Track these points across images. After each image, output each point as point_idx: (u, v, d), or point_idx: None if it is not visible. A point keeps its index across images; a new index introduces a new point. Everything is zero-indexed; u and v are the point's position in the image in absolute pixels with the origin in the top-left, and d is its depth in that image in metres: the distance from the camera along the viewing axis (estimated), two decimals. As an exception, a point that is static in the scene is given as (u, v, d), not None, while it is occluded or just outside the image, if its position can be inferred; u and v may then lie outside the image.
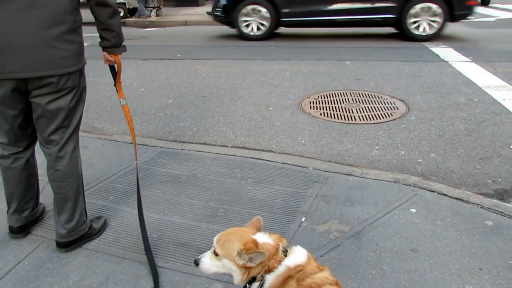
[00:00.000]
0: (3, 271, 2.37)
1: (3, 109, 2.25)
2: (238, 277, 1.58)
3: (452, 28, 10.60)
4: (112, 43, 2.39)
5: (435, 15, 9.00)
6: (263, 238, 1.61)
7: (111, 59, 2.47)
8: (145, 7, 15.83)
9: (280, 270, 1.55)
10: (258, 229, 1.68)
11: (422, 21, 9.07)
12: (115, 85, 2.59)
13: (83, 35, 2.36)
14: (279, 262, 1.56)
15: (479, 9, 15.01)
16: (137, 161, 2.70)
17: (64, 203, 2.43)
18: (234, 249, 1.54)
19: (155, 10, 16.31)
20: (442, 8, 8.91)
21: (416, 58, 7.59)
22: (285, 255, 1.59)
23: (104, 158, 3.74)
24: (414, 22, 9.10)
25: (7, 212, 2.59)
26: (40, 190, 2.72)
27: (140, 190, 2.65)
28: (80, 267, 2.40)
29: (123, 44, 2.46)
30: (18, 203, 2.54)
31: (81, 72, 2.34)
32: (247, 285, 1.62)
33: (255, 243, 1.56)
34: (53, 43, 2.11)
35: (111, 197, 3.11)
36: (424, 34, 9.15)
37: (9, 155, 2.43)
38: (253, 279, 1.59)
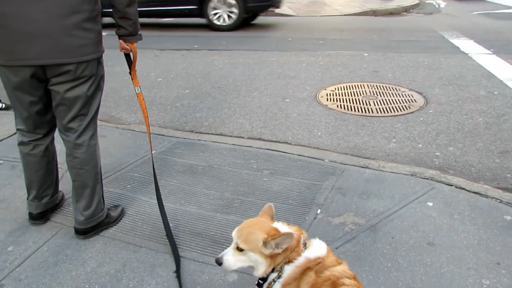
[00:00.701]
0: (22, 257, 2.42)
1: (22, 95, 2.29)
2: (263, 268, 1.57)
3: (473, 19, 10.41)
4: (129, 32, 2.40)
5: (231, 6, 9.82)
6: (283, 228, 1.61)
7: (127, 47, 2.48)
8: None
9: (300, 261, 1.55)
10: (272, 216, 1.69)
11: (222, 12, 9.91)
12: (130, 73, 2.61)
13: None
14: (299, 253, 1.56)
15: (503, 0, 14.73)
16: (154, 151, 2.73)
17: (82, 190, 2.47)
18: (258, 240, 1.53)
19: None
20: (236, 0, 9.71)
21: (435, 50, 7.47)
22: (305, 248, 1.59)
23: (122, 147, 3.78)
24: (215, 14, 9.96)
25: (27, 199, 2.63)
26: (60, 177, 2.77)
27: (157, 179, 2.68)
28: (97, 254, 2.44)
29: (139, 32, 2.47)
30: (38, 190, 2.59)
31: (99, 61, 2.35)
32: (260, 282, 1.64)
33: (277, 229, 1.56)
34: (72, 31, 2.13)
35: (128, 186, 3.14)
36: (224, 24, 10.01)
37: (28, 142, 2.47)
38: (271, 270, 1.60)
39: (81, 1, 2.13)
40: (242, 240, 1.57)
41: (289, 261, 1.55)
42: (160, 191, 2.67)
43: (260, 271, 1.58)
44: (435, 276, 2.20)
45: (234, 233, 1.61)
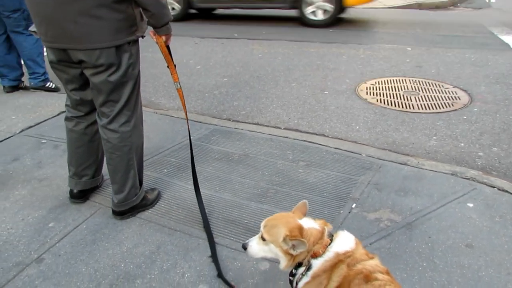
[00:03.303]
0: (62, 233, 2.51)
1: (58, 72, 2.40)
2: (284, 262, 1.59)
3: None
4: (151, 23, 2.31)
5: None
6: (308, 223, 1.61)
7: (154, 38, 2.39)
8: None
9: (329, 255, 1.54)
10: (304, 214, 1.68)
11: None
12: (168, 66, 2.51)
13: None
14: (325, 247, 1.55)
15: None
16: (191, 137, 2.75)
17: (115, 174, 2.52)
18: (280, 234, 1.55)
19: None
20: None
21: (483, 46, 7.18)
22: (331, 240, 1.58)
23: (160, 132, 3.84)
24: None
25: (68, 176, 2.72)
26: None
27: (194, 165, 2.71)
28: (133, 235, 2.49)
29: (165, 25, 2.32)
30: (77, 167, 2.66)
31: (122, 49, 2.25)
32: (293, 270, 1.63)
33: (301, 229, 1.56)
34: (75, 18, 2.08)
35: (165, 170, 3.19)
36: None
37: (71, 117, 2.56)
38: (299, 264, 1.60)
39: None
40: (266, 231, 1.60)
41: (315, 255, 1.55)
42: (197, 178, 2.69)
43: (282, 265, 1.60)
44: (472, 279, 2.14)
45: (262, 223, 1.65)
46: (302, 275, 1.59)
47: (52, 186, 2.99)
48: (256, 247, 1.65)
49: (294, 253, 1.54)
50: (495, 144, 3.73)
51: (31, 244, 2.42)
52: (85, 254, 2.35)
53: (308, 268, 1.57)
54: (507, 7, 12.38)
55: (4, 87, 4.90)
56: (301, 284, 1.59)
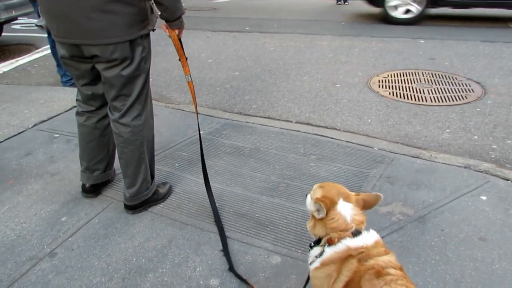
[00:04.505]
0: (75, 227, 2.53)
1: (69, 68, 2.41)
2: (309, 222, 1.67)
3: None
4: (164, 17, 2.32)
5: None
6: (350, 211, 1.57)
7: (167, 32, 2.41)
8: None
9: (339, 247, 1.53)
10: (362, 205, 1.62)
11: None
12: (179, 59, 2.52)
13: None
14: (340, 238, 1.54)
15: None
16: (202, 131, 2.75)
17: (127, 168, 2.52)
18: (316, 195, 1.62)
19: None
20: None
21: (497, 38, 7.07)
22: (353, 236, 1.55)
23: (171, 126, 3.85)
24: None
25: (80, 170, 2.74)
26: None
27: (204, 161, 2.71)
28: (145, 229, 2.51)
29: (178, 19, 2.35)
30: (88, 162, 2.68)
31: (135, 43, 2.26)
32: (312, 244, 1.67)
33: (333, 203, 1.56)
34: (89, 13, 2.08)
35: (177, 165, 3.20)
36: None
37: (82, 112, 2.57)
38: (318, 242, 1.62)
39: None
40: (316, 187, 1.69)
41: (331, 243, 1.55)
42: (208, 172, 2.70)
43: (308, 224, 1.68)
44: (486, 273, 2.12)
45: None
46: (316, 257, 1.59)
47: (64, 180, 3.02)
48: (308, 197, 1.72)
49: (317, 216, 1.58)
50: (509, 137, 3.68)
51: (44, 239, 2.45)
52: (98, 248, 2.37)
53: (322, 253, 1.57)
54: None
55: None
56: (312, 267, 1.61)
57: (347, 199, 1.60)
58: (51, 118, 4.08)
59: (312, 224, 1.64)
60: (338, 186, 1.67)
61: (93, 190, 2.79)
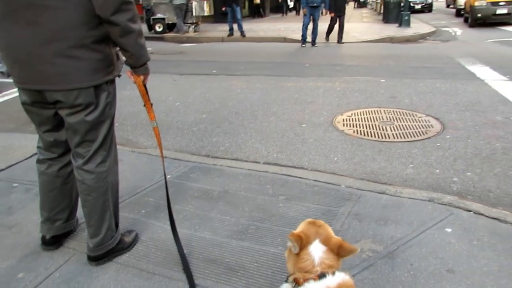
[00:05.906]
0: (33, 284, 2.37)
1: (30, 114, 2.35)
2: (287, 251, 1.67)
3: (488, 47, 10.35)
4: (129, 63, 2.31)
5: None
6: (320, 254, 1.55)
7: (132, 78, 2.40)
8: (184, 23, 16.32)
9: None
10: (340, 252, 1.58)
11: None
12: (144, 105, 2.50)
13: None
14: (305, 281, 1.51)
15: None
16: (169, 176, 2.72)
17: (90, 217, 2.43)
18: (298, 229, 1.65)
19: (193, 26, 16.83)
20: None
21: (452, 76, 7.43)
22: (319, 279, 1.53)
23: (137, 172, 3.79)
24: None
25: (40, 221, 2.62)
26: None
27: (171, 204, 2.66)
28: (110, 281, 2.40)
29: (144, 66, 2.32)
30: (50, 211, 2.56)
31: (100, 88, 2.24)
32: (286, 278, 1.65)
33: (306, 242, 1.56)
34: (51, 59, 2.07)
35: (143, 211, 3.13)
36: None
37: (44, 160, 2.49)
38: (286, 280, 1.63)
39: (61, 28, 2.04)
40: (304, 221, 1.72)
41: (297, 283, 1.52)
42: (174, 217, 2.65)
43: (285, 254, 1.69)
44: (456, 307, 2.13)
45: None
46: None
47: (22, 232, 2.88)
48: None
49: (293, 250, 1.58)
50: (468, 169, 3.80)
51: (-1, 298, 2.31)
52: (60, 302, 2.25)
53: None
54: (472, 39, 12.92)
55: None
56: None
57: (325, 241, 1.58)
58: (9, 166, 3.94)
59: (287, 256, 1.65)
60: (323, 226, 1.66)
61: (54, 242, 2.65)
